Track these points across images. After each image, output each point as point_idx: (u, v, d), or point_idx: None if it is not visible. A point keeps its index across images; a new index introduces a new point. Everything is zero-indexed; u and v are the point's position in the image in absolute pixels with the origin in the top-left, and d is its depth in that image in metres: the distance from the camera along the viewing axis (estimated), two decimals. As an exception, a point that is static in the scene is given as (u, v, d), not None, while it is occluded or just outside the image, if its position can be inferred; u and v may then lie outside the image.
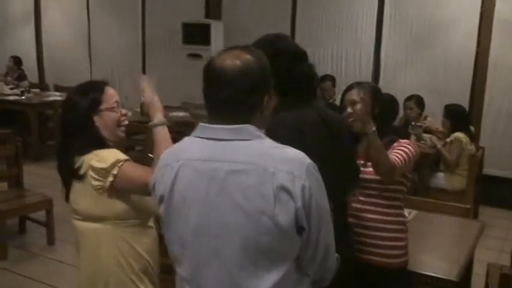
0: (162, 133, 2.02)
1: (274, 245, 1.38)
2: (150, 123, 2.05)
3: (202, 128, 1.47)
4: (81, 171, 1.94)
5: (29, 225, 4.78)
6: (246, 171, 1.37)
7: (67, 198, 2.06)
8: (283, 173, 1.36)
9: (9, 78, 8.31)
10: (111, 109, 2.02)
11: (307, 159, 1.41)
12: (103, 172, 1.92)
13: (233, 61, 1.42)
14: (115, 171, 1.92)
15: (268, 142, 1.44)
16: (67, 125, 2.05)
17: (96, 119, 2.00)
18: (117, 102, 2.05)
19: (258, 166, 1.37)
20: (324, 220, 1.44)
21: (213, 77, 1.44)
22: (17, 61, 8.45)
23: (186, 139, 1.52)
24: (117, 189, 1.94)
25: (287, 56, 1.84)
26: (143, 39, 8.12)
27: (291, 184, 1.35)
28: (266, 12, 6.97)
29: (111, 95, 2.04)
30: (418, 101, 5.44)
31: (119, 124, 2.06)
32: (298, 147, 1.49)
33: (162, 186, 1.48)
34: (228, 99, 1.42)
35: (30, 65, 8.84)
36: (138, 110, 6.49)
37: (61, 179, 2.08)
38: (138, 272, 2.02)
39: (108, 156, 1.95)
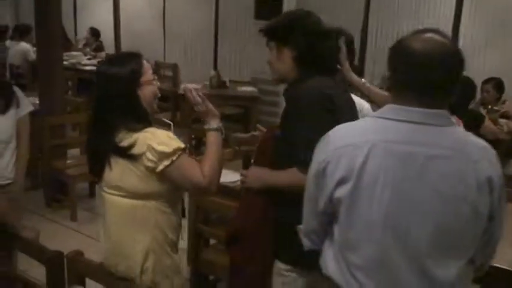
0: (216, 138, 2.02)
1: (467, 233, 1.41)
2: (205, 127, 2.03)
3: (395, 109, 1.44)
4: (136, 151, 1.88)
5: (98, 189, 4.97)
6: (447, 157, 1.38)
7: (98, 173, 2.01)
8: (485, 162, 1.40)
9: (87, 49, 8.64)
10: (151, 81, 1.99)
11: (491, 148, 1.46)
12: (162, 155, 1.88)
13: (442, 44, 1.41)
14: (174, 158, 1.89)
15: (461, 129, 1.48)
16: (107, 98, 1.94)
17: (138, 92, 1.96)
18: (153, 74, 2.03)
19: (460, 153, 1.39)
20: (504, 209, 1.48)
21: (421, 59, 1.40)
22: (94, 33, 8.77)
23: (368, 119, 1.53)
24: (164, 174, 1.91)
25: (314, 32, 1.93)
26: (216, 15, 8.15)
27: (492, 173, 1.40)
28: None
29: (148, 67, 2.00)
30: (497, 85, 5.16)
31: (155, 97, 2.03)
32: (328, 113, 1.66)
33: (343, 167, 1.43)
34: (438, 82, 1.40)
35: (107, 38, 9.11)
36: (208, 83, 6.58)
37: (91, 155, 2.05)
38: (170, 243, 2.05)
39: (169, 141, 1.91)
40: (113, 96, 1.93)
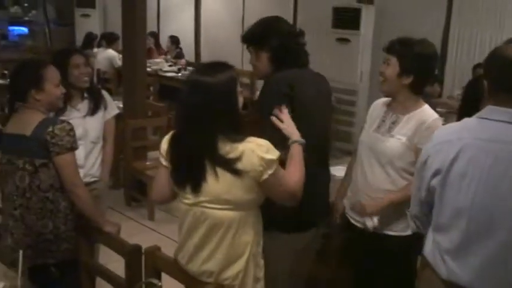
0: (299, 151, 2.08)
1: None
2: (290, 141, 2.09)
3: (490, 109, 1.63)
4: (245, 164, 1.86)
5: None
6: None
7: (197, 186, 1.93)
8: None
9: (168, 56, 8.98)
10: (241, 92, 2.00)
11: None
12: (269, 163, 1.88)
13: None
14: (276, 165, 1.90)
15: None
16: (207, 107, 1.88)
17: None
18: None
19: None
20: None
21: None
22: (174, 40, 9.12)
23: (466, 120, 1.72)
24: (267, 182, 1.91)
25: (283, 34, 2.28)
26: (294, 24, 8.22)
27: None
28: (421, -3, 6.67)
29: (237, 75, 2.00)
30: None
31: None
32: (287, 99, 2.03)
33: (439, 160, 1.69)
34: None
35: (188, 45, 9.42)
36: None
37: (184, 164, 1.96)
38: (259, 247, 2.10)
39: (271, 147, 1.90)
40: (215, 106, 1.88)
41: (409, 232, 2.34)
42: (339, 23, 6.90)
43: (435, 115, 2.37)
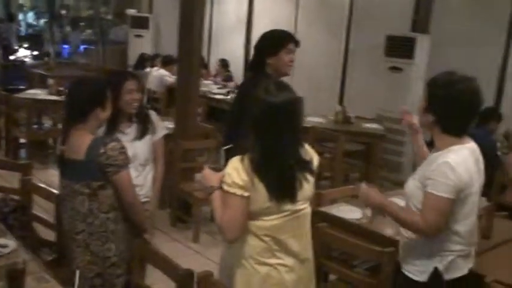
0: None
1: None
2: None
3: None
4: (315, 165, 2.26)
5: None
6: None
7: (295, 195, 2.17)
8: None
9: (217, 79, 9.09)
10: None
11: None
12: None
13: None
14: None
15: None
16: (295, 124, 2.16)
17: None
18: None
19: None
20: None
21: None
22: (223, 64, 9.25)
23: None
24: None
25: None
26: (346, 49, 8.21)
27: None
28: (479, 25, 6.54)
29: None
30: None
31: None
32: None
33: None
34: None
35: (237, 68, 9.52)
36: (332, 118, 6.60)
37: (287, 178, 2.15)
38: None
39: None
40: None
41: (422, 279, 2.24)
42: (392, 51, 6.84)
43: (449, 157, 2.16)
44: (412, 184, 2.29)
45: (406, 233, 2.30)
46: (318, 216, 3.02)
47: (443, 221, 2.15)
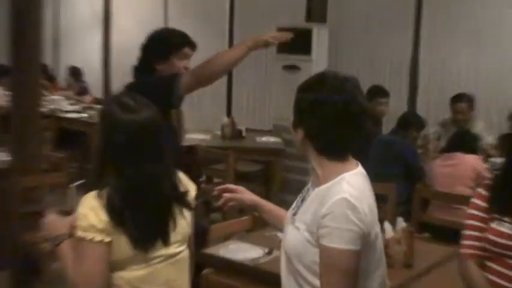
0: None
1: None
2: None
3: None
4: (192, 194, 2.35)
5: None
6: None
7: (167, 238, 2.19)
8: None
9: (69, 93, 8.77)
10: None
11: None
12: None
13: None
14: None
15: None
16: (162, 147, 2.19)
17: None
18: None
19: None
20: None
21: None
22: (74, 72, 8.89)
23: None
24: None
25: None
26: (229, 47, 8.26)
27: None
28: (383, 14, 6.85)
29: None
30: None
31: None
32: None
33: None
34: None
35: (95, 78, 9.27)
36: (219, 132, 6.58)
37: (159, 219, 2.16)
38: None
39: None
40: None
41: None
42: (285, 47, 6.94)
43: (344, 191, 1.87)
44: (296, 237, 1.98)
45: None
46: (203, 261, 2.96)
47: (352, 282, 1.86)
